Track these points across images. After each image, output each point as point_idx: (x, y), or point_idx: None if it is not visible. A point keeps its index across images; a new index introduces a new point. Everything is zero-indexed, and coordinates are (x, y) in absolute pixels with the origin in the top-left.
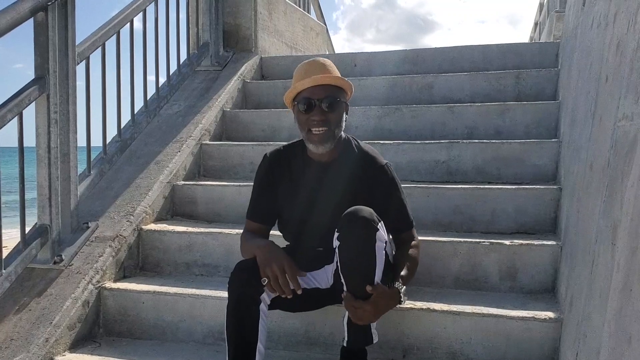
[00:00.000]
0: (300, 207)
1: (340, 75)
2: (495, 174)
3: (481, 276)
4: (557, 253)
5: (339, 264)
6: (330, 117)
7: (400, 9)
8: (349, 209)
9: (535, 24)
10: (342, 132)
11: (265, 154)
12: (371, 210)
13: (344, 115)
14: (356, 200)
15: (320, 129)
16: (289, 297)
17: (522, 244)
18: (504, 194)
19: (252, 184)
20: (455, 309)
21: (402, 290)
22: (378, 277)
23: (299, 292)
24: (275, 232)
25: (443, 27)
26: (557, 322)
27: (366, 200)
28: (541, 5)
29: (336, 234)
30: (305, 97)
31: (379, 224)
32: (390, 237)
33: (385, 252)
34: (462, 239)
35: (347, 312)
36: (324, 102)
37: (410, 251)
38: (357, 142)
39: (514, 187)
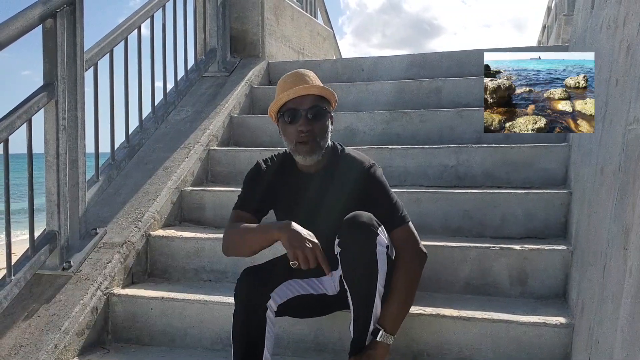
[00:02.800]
0: (296, 216)
1: (322, 85)
2: (505, 178)
3: (491, 281)
4: (567, 258)
5: (341, 270)
6: (317, 126)
7: (406, 14)
8: (348, 215)
9: (544, 28)
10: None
11: (258, 161)
12: (371, 215)
13: (330, 126)
14: (348, 205)
15: (308, 139)
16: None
17: (532, 249)
18: (514, 199)
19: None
20: (465, 315)
21: (382, 337)
22: (381, 282)
23: (330, 274)
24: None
25: (448, 31)
26: (569, 327)
27: (357, 203)
28: (549, 9)
29: (337, 240)
30: (290, 108)
31: (379, 228)
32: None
33: (388, 256)
34: (471, 244)
35: (353, 318)
36: (310, 112)
37: (404, 276)
38: (342, 148)
39: (523, 191)
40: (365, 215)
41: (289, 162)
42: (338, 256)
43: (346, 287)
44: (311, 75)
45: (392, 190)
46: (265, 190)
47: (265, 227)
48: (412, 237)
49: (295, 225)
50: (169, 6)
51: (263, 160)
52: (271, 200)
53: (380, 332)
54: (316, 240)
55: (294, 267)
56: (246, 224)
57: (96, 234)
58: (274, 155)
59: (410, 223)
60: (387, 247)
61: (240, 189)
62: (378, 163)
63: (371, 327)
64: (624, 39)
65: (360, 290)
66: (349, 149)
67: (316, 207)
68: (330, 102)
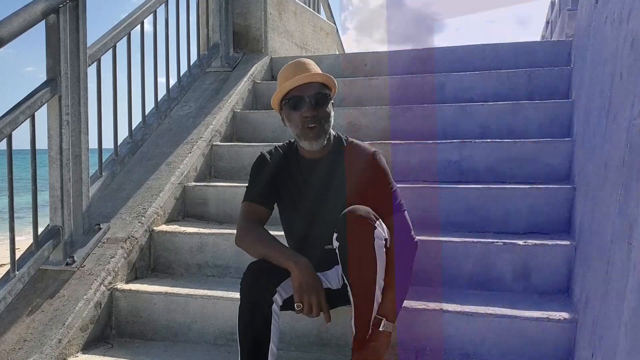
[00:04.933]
0: (301, 206)
1: (323, 73)
2: (508, 173)
3: (494, 277)
4: (571, 253)
5: (340, 264)
6: (321, 112)
7: (408, 9)
8: (345, 209)
9: (547, 23)
10: (332, 130)
11: (261, 152)
12: (368, 208)
13: (332, 111)
14: (352, 192)
15: (313, 124)
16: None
17: (535, 244)
18: (517, 194)
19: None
20: (468, 310)
21: (384, 326)
22: (380, 275)
23: (328, 324)
24: (281, 233)
25: (451, 27)
26: (572, 322)
27: (360, 190)
28: (553, 4)
29: (335, 235)
30: (294, 96)
31: (377, 221)
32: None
33: (387, 248)
34: (475, 240)
35: (354, 312)
36: (314, 98)
37: (398, 265)
38: (347, 137)
39: (527, 186)
40: (362, 209)
41: (293, 152)
42: (337, 251)
43: (346, 281)
44: (311, 63)
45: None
46: (271, 181)
47: (281, 252)
48: (406, 225)
49: (309, 268)
50: (172, 1)
51: (267, 151)
52: (276, 190)
53: (383, 322)
54: (322, 289)
55: (297, 309)
56: (263, 233)
57: (100, 229)
58: (277, 146)
59: (405, 212)
60: (385, 240)
61: (243, 184)
62: None
63: (372, 319)
64: (629, 33)
65: (360, 285)
66: (354, 140)
67: (321, 194)
68: (330, 88)
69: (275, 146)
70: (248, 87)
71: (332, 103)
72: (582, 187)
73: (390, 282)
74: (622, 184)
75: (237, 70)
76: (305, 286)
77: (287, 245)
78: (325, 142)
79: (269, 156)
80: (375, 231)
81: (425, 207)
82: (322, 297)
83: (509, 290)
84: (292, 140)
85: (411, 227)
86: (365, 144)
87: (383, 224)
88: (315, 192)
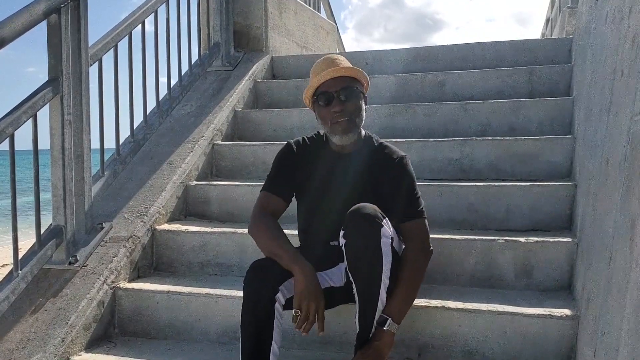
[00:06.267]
0: (320, 198)
1: (352, 67)
2: (509, 171)
3: (496, 274)
4: (573, 250)
5: (346, 262)
6: (350, 106)
7: (408, 8)
8: (352, 207)
9: (547, 20)
10: (364, 130)
11: (289, 142)
12: (375, 206)
13: (363, 105)
14: (372, 191)
15: (342, 119)
16: (304, 334)
17: (537, 241)
18: (519, 191)
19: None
20: (470, 307)
21: (389, 325)
22: (386, 274)
23: (321, 334)
24: (289, 232)
25: (451, 25)
26: (574, 319)
27: (382, 191)
28: (553, 2)
29: (342, 232)
30: (323, 92)
31: (384, 220)
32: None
33: (393, 247)
34: (476, 237)
35: (358, 310)
36: (341, 93)
37: (410, 268)
38: (378, 139)
39: (528, 184)
40: (370, 207)
41: (321, 144)
42: (343, 248)
43: (351, 279)
44: (341, 58)
45: None
46: (295, 172)
47: (287, 253)
48: (425, 232)
49: (313, 275)
50: (173, 1)
51: (294, 141)
52: (300, 181)
53: (388, 321)
54: (323, 298)
55: (294, 315)
56: (273, 228)
57: (102, 228)
58: (306, 136)
59: (426, 219)
60: (392, 239)
61: (245, 183)
62: None
63: (377, 317)
64: (630, 29)
65: (365, 282)
66: (385, 141)
67: (340, 190)
68: (362, 83)
69: (304, 136)
70: (249, 86)
71: (365, 97)
72: (584, 184)
73: (400, 284)
74: (624, 181)
75: (238, 69)
76: (307, 293)
77: (299, 237)
78: (356, 137)
79: (295, 147)
80: (382, 229)
81: (426, 205)
82: (321, 306)
83: (511, 287)
84: (321, 132)
85: (429, 234)
86: (395, 147)
87: (389, 222)
88: (335, 187)
